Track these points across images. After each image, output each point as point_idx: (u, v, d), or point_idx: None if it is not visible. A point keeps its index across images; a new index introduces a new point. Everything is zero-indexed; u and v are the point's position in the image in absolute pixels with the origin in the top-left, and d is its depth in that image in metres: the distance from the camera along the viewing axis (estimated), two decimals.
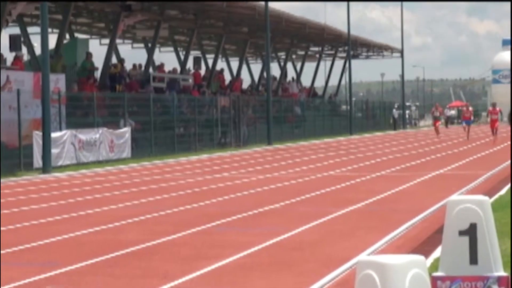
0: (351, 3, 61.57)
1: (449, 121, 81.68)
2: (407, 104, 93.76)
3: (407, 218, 13.22)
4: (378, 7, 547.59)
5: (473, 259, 6.69)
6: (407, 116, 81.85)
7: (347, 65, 65.88)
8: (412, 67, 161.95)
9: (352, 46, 62.90)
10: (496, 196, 15.56)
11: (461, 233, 6.73)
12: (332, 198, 16.97)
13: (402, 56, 76.36)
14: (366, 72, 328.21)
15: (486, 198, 6.89)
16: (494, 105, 43.20)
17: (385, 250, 10.57)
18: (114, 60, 39.17)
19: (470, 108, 48.78)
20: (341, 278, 8.90)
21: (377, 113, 73.69)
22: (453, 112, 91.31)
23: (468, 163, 26.85)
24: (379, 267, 4.39)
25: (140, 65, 41.34)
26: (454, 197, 6.96)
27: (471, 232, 6.71)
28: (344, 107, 66.33)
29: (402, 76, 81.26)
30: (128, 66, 40.48)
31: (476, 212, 6.70)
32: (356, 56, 73.44)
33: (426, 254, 9.38)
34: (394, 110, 75.24)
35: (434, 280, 6.56)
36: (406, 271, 4.40)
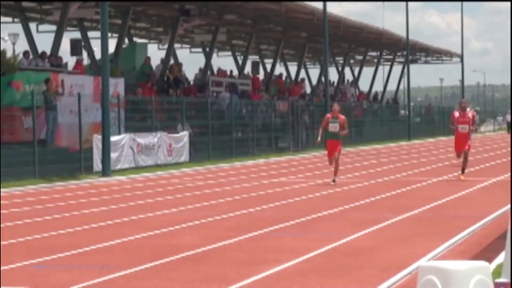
0: (409, 8, 61.08)
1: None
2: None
3: (467, 224, 13.01)
4: (436, 12, 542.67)
5: None
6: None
7: (405, 70, 65.34)
8: (472, 72, 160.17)
9: (410, 51, 62.34)
10: None
11: None
12: (390, 204, 16.78)
13: (462, 61, 75.47)
14: (425, 77, 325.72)
15: None
16: (464, 108, 23.40)
17: (445, 256, 10.39)
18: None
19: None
20: (400, 284, 8.77)
21: (436, 118, 72.92)
22: None
23: None
24: (442, 272, 4.29)
25: (200, 69, 41.62)
26: None
27: None
28: (402, 112, 65.77)
29: (462, 81, 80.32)
30: (187, 70, 40.74)
31: None
32: (414, 61, 72.79)
33: (489, 260, 9.18)
34: None
35: (497, 286, 6.40)
36: (470, 277, 4.28)
